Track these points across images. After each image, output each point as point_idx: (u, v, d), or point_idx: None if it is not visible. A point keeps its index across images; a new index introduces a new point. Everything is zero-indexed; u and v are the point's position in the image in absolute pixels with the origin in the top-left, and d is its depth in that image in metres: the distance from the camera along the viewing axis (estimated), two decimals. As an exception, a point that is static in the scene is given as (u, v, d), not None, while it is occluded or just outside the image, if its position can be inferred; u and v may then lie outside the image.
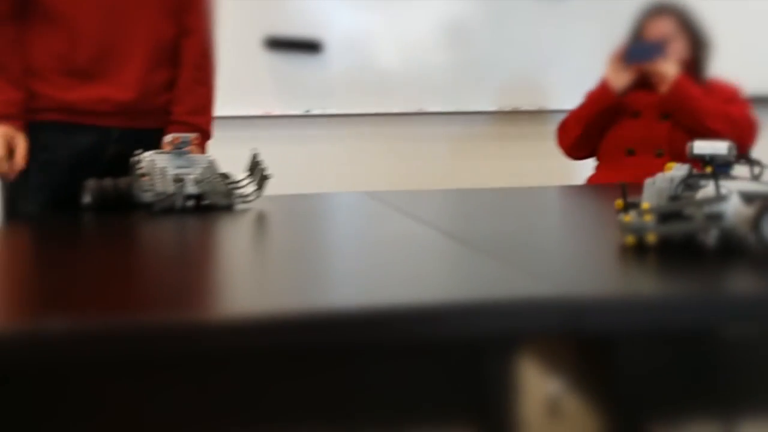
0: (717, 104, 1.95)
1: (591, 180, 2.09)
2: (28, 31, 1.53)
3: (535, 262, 0.71)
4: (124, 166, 1.51)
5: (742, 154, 0.79)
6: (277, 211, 1.24)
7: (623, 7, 2.59)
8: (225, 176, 1.31)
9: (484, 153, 2.70)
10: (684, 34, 2.05)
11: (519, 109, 2.71)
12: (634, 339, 0.58)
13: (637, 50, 2.01)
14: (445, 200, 1.40)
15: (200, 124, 1.61)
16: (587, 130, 2.04)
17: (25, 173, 1.47)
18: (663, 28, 2.04)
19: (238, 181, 1.32)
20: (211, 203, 1.27)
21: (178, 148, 1.31)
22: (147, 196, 1.25)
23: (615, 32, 2.43)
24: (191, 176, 1.26)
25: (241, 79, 2.52)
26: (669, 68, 1.95)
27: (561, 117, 2.24)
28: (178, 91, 1.61)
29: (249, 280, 0.62)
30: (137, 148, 1.52)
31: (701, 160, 0.78)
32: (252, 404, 0.54)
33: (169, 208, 1.23)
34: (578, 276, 0.64)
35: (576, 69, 2.62)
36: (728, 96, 2.01)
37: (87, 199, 1.26)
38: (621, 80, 2.01)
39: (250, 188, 1.32)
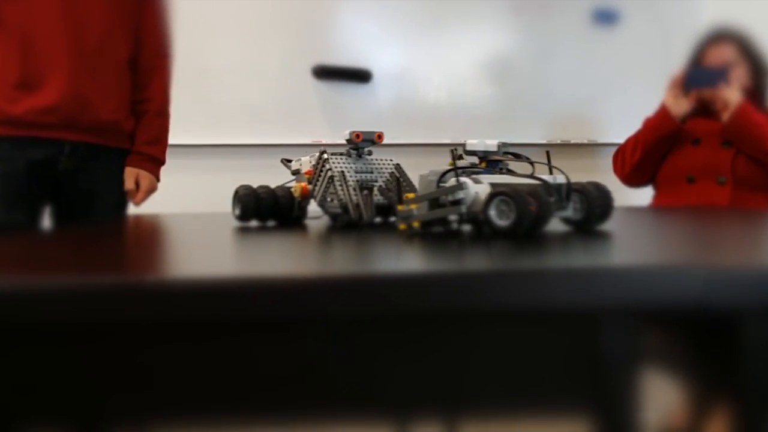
0: (782, 132, 1.89)
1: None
2: None
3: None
4: (76, 177, 1.62)
5: (513, 152, 0.87)
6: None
7: (673, 39, 2.58)
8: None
9: (532, 185, 2.66)
10: (745, 60, 2.00)
11: (568, 142, 2.67)
12: (764, 317, 0.53)
13: (698, 76, 1.96)
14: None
15: (156, 153, 1.76)
16: (646, 156, 1.99)
17: None
18: (724, 54, 2.00)
19: None
20: None
21: (357, 149, 1.01)
22: (329, 207, 0.96)
23: (665, 64, 2.41)
24: (377, 184, 0.99)
25: (290, 107, 2.53)
26: (732, 95, 1.90)
27: (610, 150, 2.20)
28: (141, 124, 1.74)
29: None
30: (88, 162, 1.64)
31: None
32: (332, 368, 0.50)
33: (353, 222, 0.93)
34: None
35: (626, 102, 2.59)
36: (792, 124, 1.95)
37: (236, 211, 1.02)
38: (680, 107, 1.96)
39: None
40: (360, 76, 2.55)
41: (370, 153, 1.02)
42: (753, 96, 1.97)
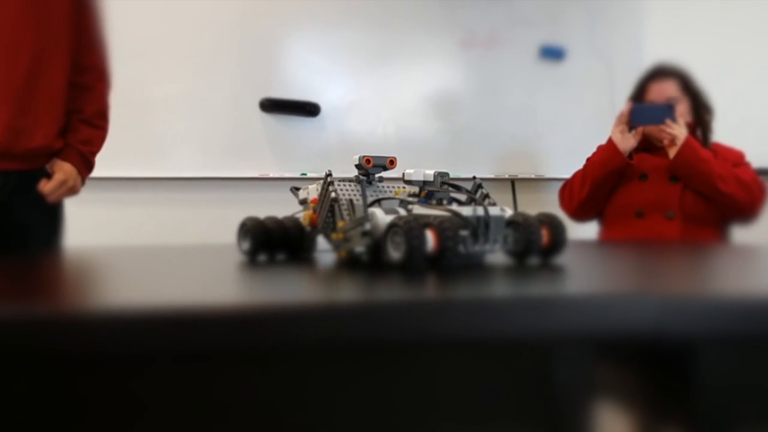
0: (726, 167, 1.93)
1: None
2: None
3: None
4: (7, 211, 1.53)
5: (453, 184, 0.86)
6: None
7: (617, 75, 2.64)
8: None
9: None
10: (686, 97, 2.05)
11: (516, 177, 2.69)
12: (716, 346, 0.52)
13: (644, 112, 2.00)
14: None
15: (83, 149, 1.66)
16: (594, 191, 2.01)
17: None
18: (666, 90, 2.04)
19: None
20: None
21: (367, 175, 0.91)
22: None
23: (610, 99, 2.45)
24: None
25: (237, 140, 2.49)
26: (679, 131, 1.93)
27: (557, 185, 2.22)
28: (68, 131, 1.65)
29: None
30: (20, 195, 1.56)
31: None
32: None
33: (359, 258, 0.82)
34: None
35: (571, 136, 2.63)
36: (734, 160, 2.00)
37: (245, 245, 0.92)
38: (627, 142, 1.99)
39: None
40: (308, 109, 2.54)
41: (380, 180, 0.94)
42: (693, 132, 2.01)
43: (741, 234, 2.04)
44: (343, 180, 0.90)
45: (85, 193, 1.72)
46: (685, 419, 0.54)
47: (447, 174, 0.85)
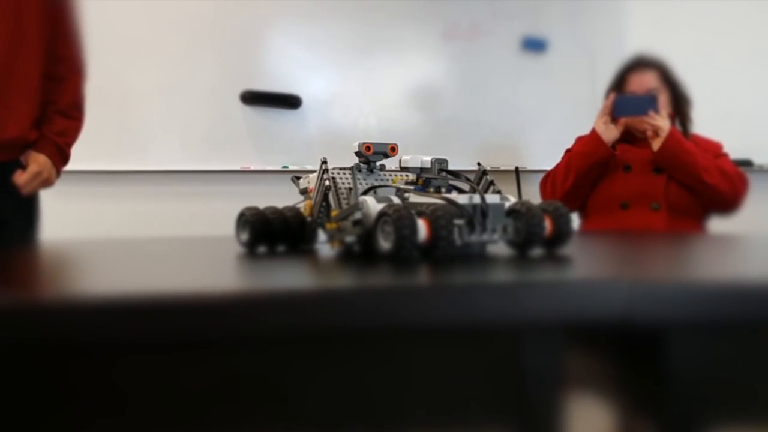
0: (709, 158, 1.94)
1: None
2: None
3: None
4: None
5: (452, 171, 0.83)
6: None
7: (599, 67, 2.64)
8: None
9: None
10: (666, 88, 2.05)
11: (498, 169, 2.69)
12: (687, 331, 0.52)
13: (627, 103, 1.99)
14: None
15: (58, 141, 1.63)
16: (578, 182, 2.00)
17: None
18: (646, 81, 2.04)
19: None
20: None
21: (369, 162, 0.87)
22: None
23: (592, 91, 2.45)
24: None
25: (218, 133, 2.47)
26: (663, 122, 1.93)
27: (538, 176, 2.21)
28: (43, 123, 1.63)
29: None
30: None
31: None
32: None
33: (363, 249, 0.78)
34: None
35: (553, 128, 2.63)
36: (713, 151, 2.01)
37: (244, 236, 0.89)
38: (611, 133, 1.99)
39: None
40: (289, 102, 2.52)
41: (382, 167, 0.90)
42: (672, 123, 2.01)
43: (715, 224, 2.05)
44: (343, 168, 0.88)
45: (65, 187, 1.70)
46: (656, 404, 0.54)
47: (445, 161, 0.82)
